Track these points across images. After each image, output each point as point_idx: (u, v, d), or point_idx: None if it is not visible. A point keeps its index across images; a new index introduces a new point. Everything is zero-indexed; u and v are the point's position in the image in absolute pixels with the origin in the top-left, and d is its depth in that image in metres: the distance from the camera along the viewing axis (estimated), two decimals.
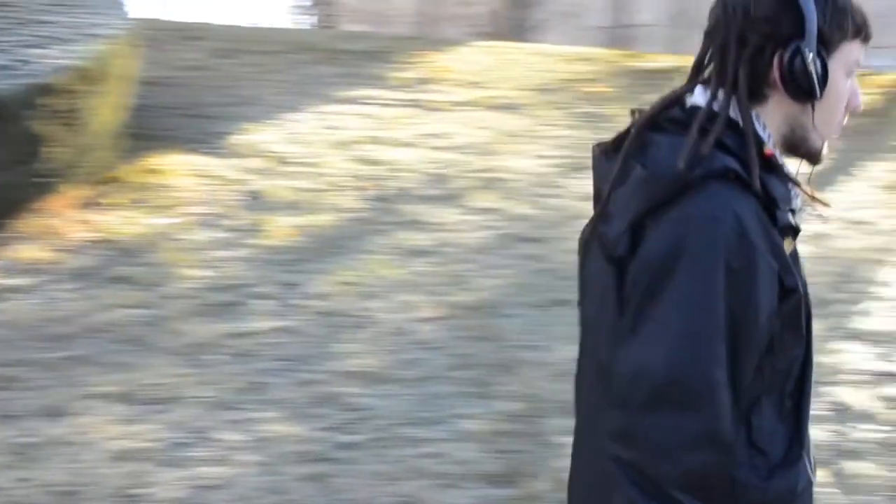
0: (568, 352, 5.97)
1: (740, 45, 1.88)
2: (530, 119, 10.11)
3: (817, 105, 1.91)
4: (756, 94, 1.91)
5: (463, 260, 7.29)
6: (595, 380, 1.98)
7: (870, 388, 5.95)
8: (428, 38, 13.62)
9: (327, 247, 7.38)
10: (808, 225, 7.50)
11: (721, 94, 1.90)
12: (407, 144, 9.20)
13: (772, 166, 1.90)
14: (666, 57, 13.14)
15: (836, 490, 5.00)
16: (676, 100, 1.99)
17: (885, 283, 7.26)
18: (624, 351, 1.83)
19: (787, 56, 1.85)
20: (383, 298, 6.71)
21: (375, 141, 9.22)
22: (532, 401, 5.60)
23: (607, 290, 1.89)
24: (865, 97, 9.72)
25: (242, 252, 7.21)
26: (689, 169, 1.80)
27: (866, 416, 5.66)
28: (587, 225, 2.05)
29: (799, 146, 1.98)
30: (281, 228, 7.52)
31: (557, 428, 5.23)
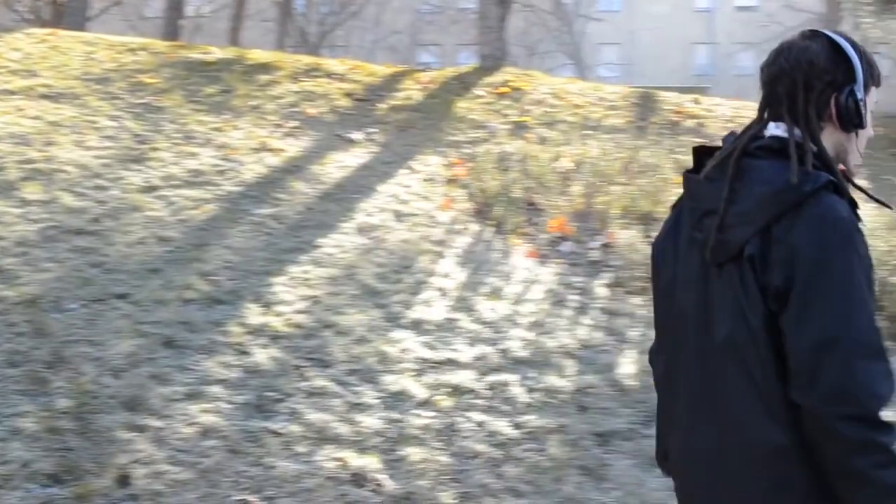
0: (124, 346, 5.99)
1: (807, 89, 2.43)
2: (82, 109, 9.86)
3: (859, 133, 2.50)
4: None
5: (12, 254, 7.01)
6: (710, 364, 2.41)
7: (425, 375, 6.36)
8: None
9: None
10: (369, 218, 7.86)
11: (796, 128, 2.43)
12: None
13: (845, 178, 2.48)
14: (218, 49, 13.25)
15: (386, 475, 5.32)
16: (756, 134, 2.49)
17: (440, 274, 7.74)
18: (801, 326, 2.26)
19: (842, 97, 2.43)
20: None
21: None
22: (87, 397, 5.52)
23: (730, 282, 2.36)
24: (414, 93, 10.31)
25: None
26: (801, 184, 2.32)
27: (422, 403, 6.06)
28: (665, 237, 2.61)
29: (840, 164, 2.52)
30: None
31: (114, 423, 5.20)
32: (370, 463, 5.43)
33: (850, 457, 2.22)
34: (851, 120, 2.46)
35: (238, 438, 5.43)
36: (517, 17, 25.11)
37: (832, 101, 2.45)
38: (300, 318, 6.77)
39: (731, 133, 2.58)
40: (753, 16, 39.38)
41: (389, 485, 5.28)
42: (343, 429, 5.69)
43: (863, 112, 2.46)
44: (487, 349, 6.77)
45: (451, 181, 9.66)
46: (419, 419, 5.90)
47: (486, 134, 11.07)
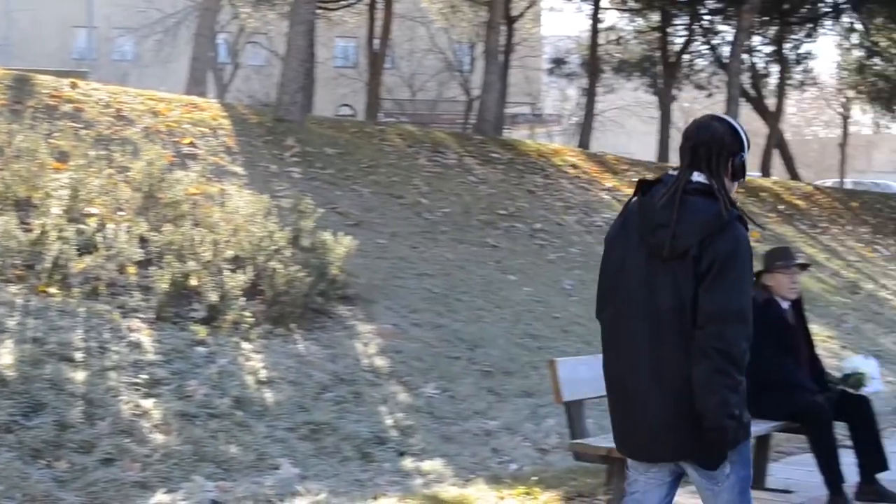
0: None
1: (718, 155, 3.90)
2: None
3: (739, 183, 3.99)
4: None
5: None
6: (655, 321, 3.81)
7: None
8: None
9: None
10: None
11: (714, 179, 3.88)
12: None
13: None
14: None
15: None
16: (688, 179, 3.87)
17: None
18: (709, 297, 3.72)
19: (737, 160, 3.92)
20: None
21: None
22: None
23: (677, 271, 3.77)
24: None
25: None
26: (724, 217, 3.78)
27: None
28: (618, 232, 3.98)
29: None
30: None
31: None
32: None
33: (712, 374, 3.69)
34: (739, 175, 3.95)
35: None
36: None
37: (730, 163, 3.92)
38: None
39: (667, 174, 3.97)
40: (132, 1, 39.24)
41: None
42: None
43: (745, 169, 3.97)
44: None
45: None
46: None
47: None
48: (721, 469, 3.81)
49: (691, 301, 3.74)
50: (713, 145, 3.89)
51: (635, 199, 3.99)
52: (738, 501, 3.86)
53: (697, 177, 3.88)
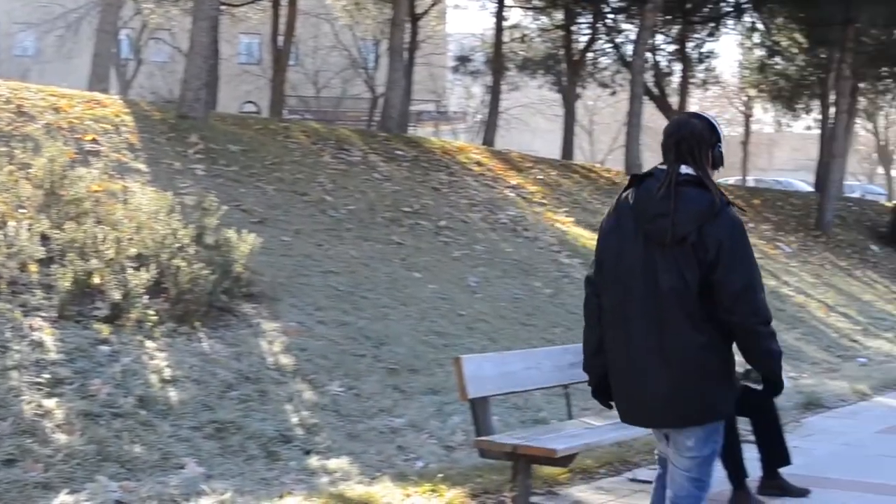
0: None
1: (699, 148, 4.38)
2: None
3: (719, 171, 4.51)
4: None
5: None
6: (657, 302, 4.28)
7: None
8: None
9: None
10: None
11: (700, 170, 4.37)
12: None
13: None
14: None
15: None
16: (678, 172, 4.34)
17: None
18: (731, 276, 4.20)
19: (716, 151, 4.44)
20: None
21: None
22: None
23: (678, 256, 4.24)
24: None
25: None
26: (716, 204, 4.26)
27: None
28: (615, 224, 4.46)
29: None
30: None
31: None
32: None
33: (766, 341, 4.30)
34: (718, 163, 4.46)
35: None
36: None
37: (710, 153, 4.42)
38: None
39: (657, 168, 4.42)
40: None
41: None
42: None
43: (723, 158, 4.48)
44: None
45: None
46: None
47: None
48: (716, 433, 4.45)
49: (697, 283, 4.24)
50: (693, 139, 4.40)
51: (627, 192, 4.47)
52: (711, 467, 4.49)
53: (685, 169, 4.37)
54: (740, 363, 4.34)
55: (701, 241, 4.22)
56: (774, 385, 4.45)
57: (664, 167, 4.40)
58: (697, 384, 4.28)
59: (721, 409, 4.39)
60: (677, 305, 4.26)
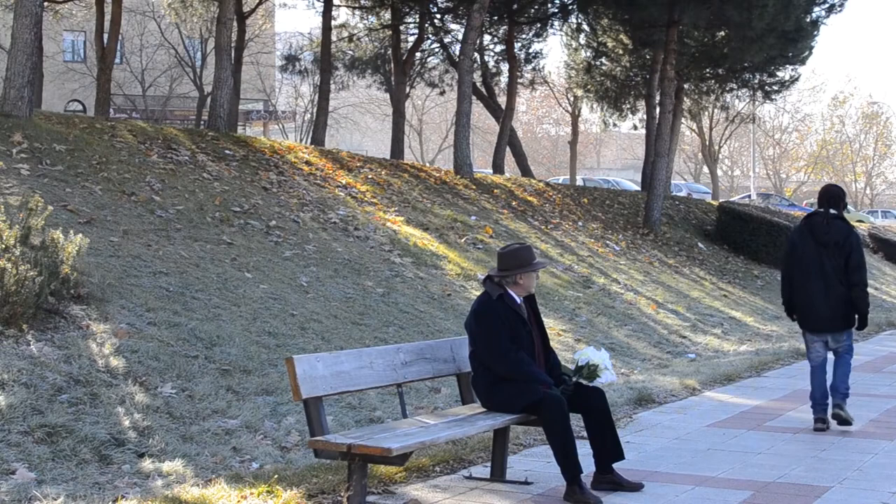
0: None
1: (839, 201, 9.86)
2: None
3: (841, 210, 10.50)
4: None
5: None
6: (826, 276, 9.42)
7: None
8: None
9: None
10: None
11: (839, 211, 9.76)
12: None
13: None
14: None
15: None
16: (827, 212, 9.56)
17: None
18: (853, 267, 9.43)
19: (843, 203, 10.44)
20: None
21: None
22: None
23: (832, 253, 9.38)
24: None
25: None
26: (850, 230, 9.62)
27: None
28: (803, 236, 9.56)
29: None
30: None
31: None
32: None
33: (865, 294, 9.46)
34: (844, 208, 9.89)
35: None
36: None
37: (842, 204, 9.80)
38: None
39: (817, 212, 9.56)
40: None
41: None
42: None
43: (847, 206, 9.75)
44: None
45: None
46: None
47: None
48: (851, 334, 9.67)
49: (843, 265, 9.28)
50: (835, 197, 9.48)
51: (804, 221, 9.55)
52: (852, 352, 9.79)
53: (833, 211, 9.40)
54: (571, 360, 4.38)
55: (843, 246, 9.27)
56: (864, 319, 9.45)
57: (822, 210, 9.41)
58: (845, 310, 9.35)
59: (854, 322, 9.52)
60: (836, 276, 9.28)
